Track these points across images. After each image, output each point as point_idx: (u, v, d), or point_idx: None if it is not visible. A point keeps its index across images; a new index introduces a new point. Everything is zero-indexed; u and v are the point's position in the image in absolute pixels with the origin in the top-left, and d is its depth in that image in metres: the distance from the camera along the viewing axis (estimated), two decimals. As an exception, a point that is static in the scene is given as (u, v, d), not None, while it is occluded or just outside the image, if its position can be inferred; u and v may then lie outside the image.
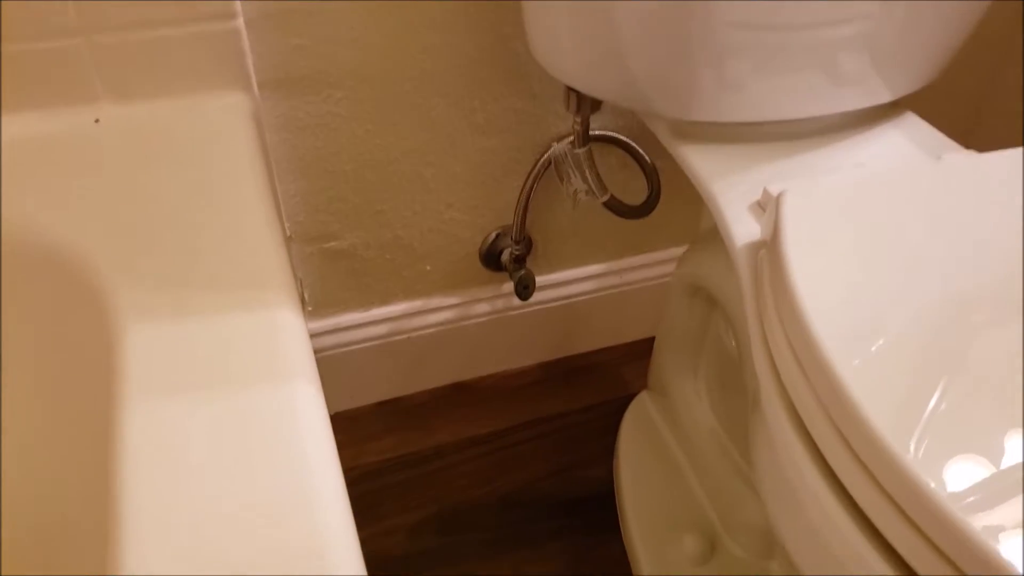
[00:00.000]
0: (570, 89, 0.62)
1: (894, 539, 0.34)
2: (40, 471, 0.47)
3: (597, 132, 0.75)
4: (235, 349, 0.41)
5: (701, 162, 0.56)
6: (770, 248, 0.45)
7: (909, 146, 0.58)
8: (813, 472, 0.38)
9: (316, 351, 0.81)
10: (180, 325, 0.42)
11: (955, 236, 0.44)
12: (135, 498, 0.34)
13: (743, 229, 0.51)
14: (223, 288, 0.44)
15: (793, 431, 0.39)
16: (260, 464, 0.36)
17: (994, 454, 0.34)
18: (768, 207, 0.48)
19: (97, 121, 0.56)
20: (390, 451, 0.84)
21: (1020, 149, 0.51)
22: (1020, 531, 0.31)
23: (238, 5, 0.56)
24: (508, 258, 0.80)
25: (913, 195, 0.48)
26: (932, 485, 0.32)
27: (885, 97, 0.58)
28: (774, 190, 0.49)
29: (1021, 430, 0.35)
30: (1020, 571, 0.30)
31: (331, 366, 0.82)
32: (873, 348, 0.38)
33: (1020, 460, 0.34)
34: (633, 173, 0.80)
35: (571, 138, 0.69)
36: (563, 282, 0.87)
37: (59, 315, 0.46)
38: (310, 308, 0.79)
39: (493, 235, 0.80)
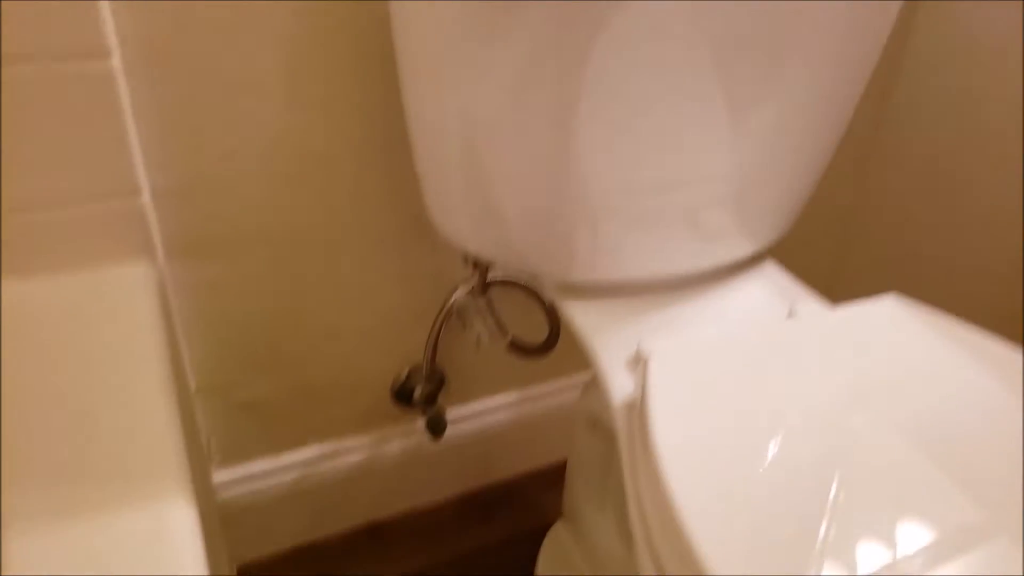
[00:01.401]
0: (465, 249, 0.67)
1: None
2: None
3: (497, 277, 0.79)
4: (123, 550, 0.41)
5: (583, 317, 0.61)
6: (638, 414, 0.49)
7: (769, 297, 0.64)
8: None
9: (223, 500, 0.80)
10: (64, 528, 0.42)
11: (811, 386, 0.49)
12: None
13: (621, 382, 0.55)
14: (115, 481, 0.44)
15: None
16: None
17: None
18: (638, 369, 0.53)
19: (-4, 299, 0.57)
20: (303, 600, 0.82)
21: (868, 301, 0.58)
22: None
23: (143, 181, 0.59)
24: (420, 395, 0.82)
25: (769, 351, 0.53)
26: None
27: (748, 249, 0.65)
28: (646, 349, 0.54)
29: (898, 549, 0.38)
30: None
31: (239, 514, 0.81)
32: (730, 512, 0.41)
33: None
34: (535, 309, 0.85)
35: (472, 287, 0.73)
36: (477, 413, 0.89)
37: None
38: (218, 458, 0.78)
39: (404, 374, 0.83)
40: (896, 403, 0.48)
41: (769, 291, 0.65)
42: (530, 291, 0.82)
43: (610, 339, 0.59)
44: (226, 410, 0.76)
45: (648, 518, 0.44)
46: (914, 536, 0.40)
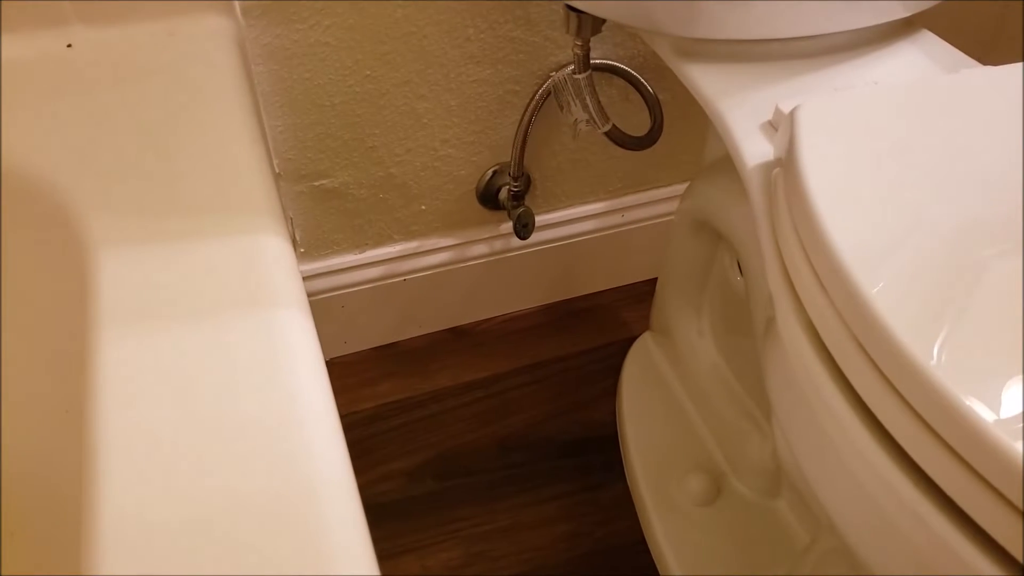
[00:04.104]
0: (569, 9, 0.59)
1: (917, 454, 0.33)
2: (14, 401, 0.45)
3: (598, 61, 0.72)
4: (218, 275, 0.39)
5: (707, 81, 0.53)
6: (786, 164, 0.43)
7: (925, 62, 0.55)
8: (832, 388, 0.36)
9: (308, 295, 0.79)
10: (159, 251, 0.40)
11: (973, 149, 0.42)
12: (112, 426, 0.33)
13: (753, 148, 0.49)
14: (206, 214, 0.42)
15: (811, 348, 0.38)
16: (246, 389, 0.34)
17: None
18: (781, 124, 0.46)
19: (70, 46, 0.53)
20: (387, 396, 0.83)
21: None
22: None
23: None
24: (506, 196, 0.78)
25: (930, 109, 0.45)
26: (959, 394, 0.31)
27: (899, 13, 0.56)
28: (787, 107, 0.47)
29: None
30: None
31: (325, 311, 0.80)
32: (893, 263, 0.36)
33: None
34: (635, 107, 0.77)
35: (571, 65, 0.66)
36: (563, 221, 0.84)
37: (32, 243, 0.44)
38: (302, 249, 0.77)
39: (490, 172, 0.78)
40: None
41: (925, 58, 0.56)
42: (633, 80, 0.74)
43: (739, 103, 0.52)
44: (309, 198, 0.73)
45: (794, 270, 0.39)
46: None
